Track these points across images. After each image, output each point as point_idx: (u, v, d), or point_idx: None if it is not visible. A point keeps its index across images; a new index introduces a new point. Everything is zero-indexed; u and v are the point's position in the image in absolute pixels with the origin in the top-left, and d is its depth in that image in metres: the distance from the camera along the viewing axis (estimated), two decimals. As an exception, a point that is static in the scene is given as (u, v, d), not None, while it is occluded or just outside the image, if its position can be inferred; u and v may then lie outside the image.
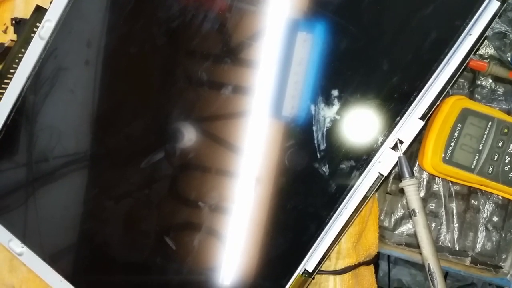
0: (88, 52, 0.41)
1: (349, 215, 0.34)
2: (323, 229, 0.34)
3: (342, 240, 0.40)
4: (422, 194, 0.44)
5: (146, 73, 0.41)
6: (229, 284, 0.36)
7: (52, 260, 0.41)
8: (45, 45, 0.43)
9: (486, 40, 0.43)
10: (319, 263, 0.35)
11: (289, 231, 0.35)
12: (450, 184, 0.43)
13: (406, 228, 0.44)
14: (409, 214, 0.44)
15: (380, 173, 0.33)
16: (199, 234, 0.37)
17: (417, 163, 0.43)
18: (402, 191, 0.45)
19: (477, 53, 0.43)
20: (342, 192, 0.34)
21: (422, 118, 0.32)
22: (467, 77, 0.43)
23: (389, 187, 0.45)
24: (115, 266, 0.40)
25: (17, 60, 0.45)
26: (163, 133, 0.39)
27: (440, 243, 0.43)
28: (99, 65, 0.41)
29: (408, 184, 0.32)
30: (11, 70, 0.45)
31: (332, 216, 0.34)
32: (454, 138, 0.39)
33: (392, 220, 0.45)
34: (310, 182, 0.35)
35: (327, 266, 0.40)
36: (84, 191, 0.41)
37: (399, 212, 0.45)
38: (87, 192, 0.41)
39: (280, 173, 0.35)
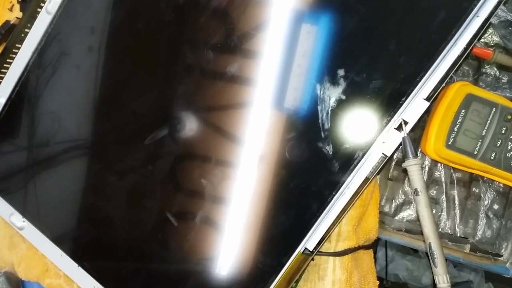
0: (92, 36, 0.42)
1: (351, 195, 0.34)
2: (325, 208, 0.34)
3: (342, 222, 0.40)
4: (424, 180, 0.44)
5: (151, 54, 0.41)
6: (230, 259, 0.36)
7: (53, 234, 0.41)
8: (52, 19, 0.43)
9: (491, 28, 0.43)
10: (320, 242, 0.35)
11: (291, 210, 0.35)
12: (451, 171, 0.43)
13: (406, 214, 0.45)
14: (410, 200, 0.44)
15: (383, 154, 0.33)
16: (202, 211, 0.37)
17: (420, 149, 0.43)
18: (403, 177, 0.45)
19: (483, 41, 0.43)
20: (345, 171, 0.34)
21: (427, 99, 0.32)
22: (472, 65, 0.43)
23: (390, 173, 0.45)
24: (116, 242, 0.40)
25: (22, 35, 0.45)
26: (168, 111, 0.39)
27: (440, 230, 0.43)
28: (104, 43, 0.41)
29: (412, 164, 0.32)
30: (17, 45, 0.45)
31: (334, 195, 0.34)
32: (458, 124, 0.39)
33: (393, 206, 0.45)
34: (314, 161, 0.35)
35: (327, 248, 0.41)
36: (87, 167, 0.41)
37: (400, 198, 0.45)
38: (90, 168, 0.41)
39: (283, 151, 0.35)
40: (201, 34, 0.38)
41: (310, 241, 0.35)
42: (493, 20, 0.43)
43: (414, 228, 0.45)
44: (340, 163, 0.34)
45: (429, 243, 0.31)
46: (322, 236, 0.35)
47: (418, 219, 0.44)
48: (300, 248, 0.35)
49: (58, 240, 0.41)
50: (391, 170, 0.45)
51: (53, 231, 0.42)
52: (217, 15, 0.37)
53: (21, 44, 0.44)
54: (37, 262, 0.48)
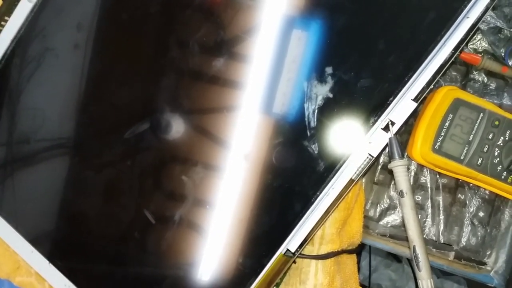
0: (77, 28, 0.40)
1: (336, 196, 0.33)
2: (308, 208, 0.33)
3: (326, 225, 0.39)
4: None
5: (138, 51, 0.39)
6: (209, 260, 0.35)
7: (25, 230, 0.39)
8: (33, 8, 0.41)
9: (480, 34, 0.43)
10: (302, 243, 0.34)
11: (274, 209, 0.34)
12: (437, 176, 0.43)
13: (391, 219, 0.44)
14: (395, 205, 0.44)
15: (369, 154, 0.33)
16: (180, 210, 0.36)
17: (406, 153, 0.43)
18: (389, 181, 0.44)
19: (471, 47, 0.43)
20: (330, 171, 0.33)
21: (415, 100, 0.32)
22: (460, 70, 0.43)
23: (376, 177, 0.44)
24: (91, 240, 0.38)
25: (2, 23, 0.43)
26: (151, 106, 0.38)
27: (424, 236, 0.43)
28: (89, 35, 0.40)
29: (398, 165, 0.32)
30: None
31: (318, 195, 0.33)
32: (445, 128, 0.39)
33: (378, 210, 0.44)
34: (298, 160, 0.34)
35: (310, 251, 0.40)
36: (65, 162, 0.40)
37: (385, 203, 0.44)
38: (67, 162, 0.40)
39: (268, 150, 0.34)
40: (190, 33, 0.37)
41: (292, 243, 0.34)
42: (482, 26, 0.43)
43: (399, 234, 0.44)
44: (325, 163, 0.33)
45: (414, 246, 0.30)
46: (305, 238, 0.34)
47: (403, 222, 0.43)
48: (281, 250, 0.34)
49: (29, 236, 0.39)
50: (377, 174, 0.44)
51: (25, 226, 0.40)
52: (208, 17, 0.36)
53: None
54: (8, 259, 0.45)
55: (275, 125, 0.34)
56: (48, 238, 0.39)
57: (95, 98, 0.40)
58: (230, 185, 0.35)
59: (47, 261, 0.38)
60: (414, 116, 0.42)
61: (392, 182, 0.44)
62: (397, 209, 0.44)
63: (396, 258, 0.96)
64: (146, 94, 0.38)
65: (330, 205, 0.33)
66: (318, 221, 0.34)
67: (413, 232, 0.31)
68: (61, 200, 0.40)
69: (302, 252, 0.39)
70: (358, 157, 0.33)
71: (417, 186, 0.43)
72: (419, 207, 0.43)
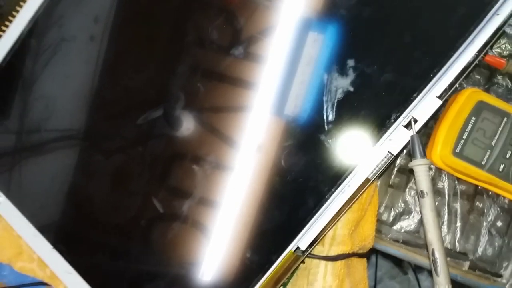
0: (94, 25, 0.40)
1: (351, 194, 0.32)
2: (322, 205, 0.32)
3: (338, 225, 0.38)
4: (425, 190, 0.42)
5: (155, 43, 0.39)
6: (217, 253, 0.34)
7: (30, 213, 0.39)
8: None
9: (505, 38, 0.41)
10: (313, 242, 0.33)
11: (286, 205, 0.33)
12: (456, 182, 0.41)
13: (405, 224, 0.42)
14: (410, 210, 0.42)
15: (389, 152, 0.31)
16: (189, 200, 0.35)
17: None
18: (405, 185, 0.43)
19: (496, 50, 0.42)
20: (346, 168, 0.32)
21: (440, 97, 0.31)
22: (483, 74, 0.42)
23: (392, 180, 0.43)
24: (96, 226, 0.37)
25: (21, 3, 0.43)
26: (164, 94, 0.37)
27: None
28: (107, 28, 0.39)
29: (419, 164, 0.30)
30: (13, 13, 0.43)
31: (333, 192, 0.32)
32: (467, 131, 0.37)
33: (392, 214, 0.43)
34: (314, 155, 0.33)
35: (320, 251, 0.38)
36: (73, 145, 0.39)
37: (400, 207, 0.42)
38: (75, 146, 0.39)
39: (282, 142, 0.33)
40: (206, 30, 0.36)
41: (302, 240, 0.33)
42: (508, 29, 0.41)
43: (412, 240, 0.42)
44: (341, 159, 0.32)
45: (432, 250, 0.29)
46: (316, 236, 0.32)
47: (417, 228, 0.42)
48: (291, 247, 0.32)
49: (34, 219, 0.38)
50: (393, 176, 0.43)
51: (31, 210, 0.39)
52: (224, 14, 0.35)
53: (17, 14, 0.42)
54: (11, 244, 0.45)
55: (291, 117, 0.33)
56: (52, 223, 0.38)
57: (109, 84, 0.39)
58: (241, 178, 0.34)
59: (50, 246, 0.37)
60: (434, 118, 0.41)
61: (408, 186, 0.43)
62: (412, 214, 0.42)
63: (402, 270, 0.94)
64: (160, 83, 0.37)
65: (345, 203, 0.32)
66: (331, 219, 0.32)
67: (432, 234, 0.29)
68: (68, 185, 0.39)
69: (311, 252, 0.37)
70: (376, 155, 0.31)
71: (434, 191, 0.42)
72: (434, 213, 0.42)
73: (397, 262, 0.95)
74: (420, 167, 0.30)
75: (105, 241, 0.36)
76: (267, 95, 0.34)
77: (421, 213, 0.31)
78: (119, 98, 0.38)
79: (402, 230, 0.42)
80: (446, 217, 0.41)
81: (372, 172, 0.31)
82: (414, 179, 0.32)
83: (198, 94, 0.36)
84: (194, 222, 0.35)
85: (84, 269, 0.37)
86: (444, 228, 0.41)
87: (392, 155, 0.31)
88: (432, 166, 0.41)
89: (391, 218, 0.43)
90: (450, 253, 0.41)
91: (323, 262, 0.38)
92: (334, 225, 0.34)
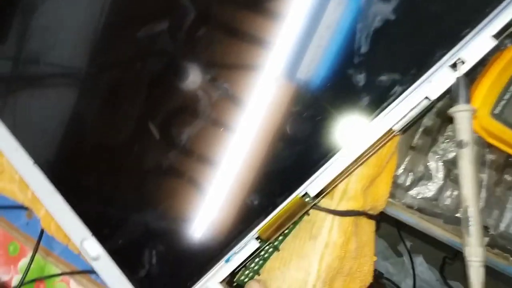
0: None
1: (372, 143, 0.28)
2: (338, 150, 0.28)
3: (351, 179, 0.34)
4: (452, 155, 0.38)
5: None
6: (217, 189, 0.30)
7: (14, 126, 0.35)
8: None
9: None
10: (324, 190, 0.29)
11: (299, 144, 0.29)
12: (487, 150, 0.37)
13: (423, 190, 0.39)
14: (430, 175, 0.38)
15: (427, 97, 0.27)
16: (190, 128, 0.31)
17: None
18: (428, 147, 0.39)
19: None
20: (374, 109, 0.28)
21: (496, 36, 0.26)
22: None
23: (415, 140, 0.39)
24: (85, 143, 0.34)
25: None
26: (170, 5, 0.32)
27: (458, 214, 0.38)
28: None
29: (463, 110, 0.26)
30: None
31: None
32: (510, 92, 0.33)
33: (409, 178, 0.39)
34: (339, 90, 0.29)
35: (328, 205, 0.35)
36: (67, 57, 0.35)
37: (419, 172, 0.39)
38: (69, 58, 0.35)
39: (303, 70, 0.29)
40: None
41: (312, 186, 0.29)
42: None
43: (428, 208, 0.39)
44: (370, 98, 0.28)
45: (466, 207, 0.25)
46: (328, 184, 0.29)
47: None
48: (300, 191, 0.29)
49: (17, 132, 0.34)
50: (416, 138, 0.39)
51: (15, 123, 0.35)
52: None
53: None
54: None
55: (318, 40, 0.29)
56: (36, 137, 0.35)
57: (115, 24, 0.34)
58: (252, 108, 0.30)
59: (32, 161, 0.34)
60: (472, 77, 0.36)
61: (432, 150, 0.39)
62: (432, 180, 0.38)
63: (397, 251, 0.91)
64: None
65: (366, 151, 0.28)
66: (348, 167, 0.28)
67: (468, 190, 0.25)
68: (57, 98, 0.35)
69: (319, 204, 0.34)
70: (412, 97, 0.27)
71: (459, 158, 0.38)
72: (456, 182, 0.38)
73: (393, 243, 0.92)
74: (463, 113, 0.26)
75: (93, 161, 0.33)
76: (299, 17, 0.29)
77: (458, 166, 0.27)
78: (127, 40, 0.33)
79: (419, 196, 0.39)
80: (469, 186, 0.38)
81: (400, 121, 0.27)
82: (453, 127, 0.27)
83: (210, 11, 0.31)
84: (193, 154, 0.31)
85: (68, 191, 0.33)
86: (466, 198, 0.38)
87: (430, 100, 0.27)
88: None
89: (408, 182, 0.39)
90: (467, 226, 0.38)
91: (330, 216, 0.35)
92: (347, 177, 0.31)
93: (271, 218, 0.29)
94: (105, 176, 0.33)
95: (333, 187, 0.30)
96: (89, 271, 0.40)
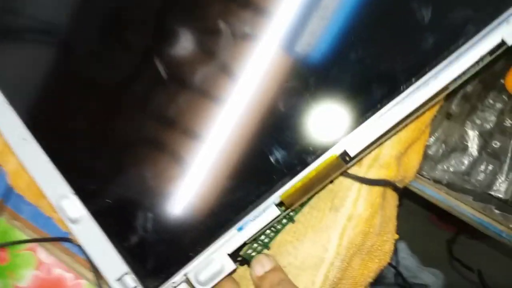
0: None
1: (434, 93, 0.23)
2: (393, 98, 0.23)
3: (385, 143, 0.29)
4: (490, 125, 0.34)
5: None
6: (233, 141, 0.25)
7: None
8: None
9: None
10: (366, 149, 0.24)
11: (343, 91, 0.24)
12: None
13: (455, 163, 0.34)
14: (465, 147, 0.34)
15: (503, 40, 0.22)
16: (205, 69, 0.25)
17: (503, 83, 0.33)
18: (465, 115, 0.34)
19: None
20: (439, 52, 0.23)
21: None
22: None
23: (452, 107, 0.34)
24: (70, 85, 0.27)
25: None
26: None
27: (490, 191, 0.34)
28: None
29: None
30: None
31: (413, 82, 0.23)
32: None
33: (441, 149, 0.34)
34: (400, 27, 0.23)
35: (354, 171, 0.30)
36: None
37: (453, 142, 0.34)
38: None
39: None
40: None
41: (352, 144, 0.24)
42: None
43: (458, 183, 0.35)
44: (438, 38, 0.22)
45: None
46: (372, 142, 0.24)
47: (469, 169, 0.34)
48: (336, 150, 0.24)
49: None
50: (454, 104, 0.34)
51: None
52: None
53: None
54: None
55: None
56: (12, 75, 0.28)
57: None
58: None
59: (5, 100, 0.27)
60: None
61: (469, 118, 0.34)
62: (468, 152, 0.34)
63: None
64: None
65: (426, 101, 0.23)
66: (400, 121, 0.23)
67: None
68: (37, 46, 0.28)
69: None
70: (486, 40, 0.22)
71: (499, 129, 0.34)
72: (493, 156, 0.34)
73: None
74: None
75: (79, 106, 0.26)
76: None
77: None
78: None
79: (450, 169, 0.34)
80: (507, 161, 0.34)
81: (474, 62, 0.22)
82: (494, 94, 0.23)
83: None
84: (206, 98, 0.25)
85: (47, 139, 0.27)
86: (502, 175, 0.34)
87: (506, 45, 0.22)
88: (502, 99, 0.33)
89: (439, 154, 0.35)
90: (499, 205, 0.34)
91: (356, 185, 0.30)
92: (397, 133, 0.26)
93: (299, 180, 0.24)
94: (93, 121, 0.26)
95: (377, 146, 0.25)
96: (62, 239, 0.34)
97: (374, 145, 0.25)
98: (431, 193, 0.35)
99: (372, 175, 0.29)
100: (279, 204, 0.25)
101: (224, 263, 0.25)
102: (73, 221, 0.26)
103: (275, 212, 0.25)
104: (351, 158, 0.24)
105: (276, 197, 0.25)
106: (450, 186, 0.35)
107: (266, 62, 0.25)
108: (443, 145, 0.34)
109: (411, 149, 0.32)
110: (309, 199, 0.30)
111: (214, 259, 0.25)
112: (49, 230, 0.34)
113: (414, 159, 0.32)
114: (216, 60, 0.25)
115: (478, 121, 0.34)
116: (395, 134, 0.26)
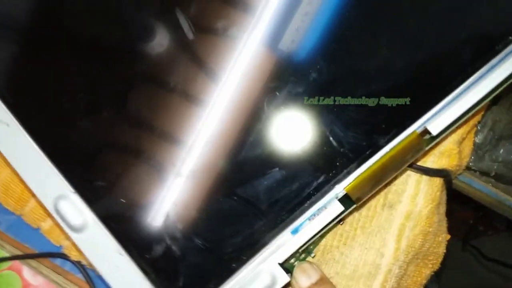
0: None
1: None
2: (480, 67, 0.19)
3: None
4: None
5: None
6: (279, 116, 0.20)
7: None
8: None
9: None
10: (450, 126, 0.20)
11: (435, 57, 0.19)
12: None
13: (505, 152, 0.31)
14: (515, 134, 0.31)
15: None
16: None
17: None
18: (514, 100, 0.31)
19: None
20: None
21: None
22: None
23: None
24: (61, 56, 0.21)
25: None
26: None
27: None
28: None
29: None
30: None
31: (500, 51, 0.19)
32: None
33: (489, 137, 0.31)
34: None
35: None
36: None
37: (501, 129, 0.31)
38: None
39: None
40: None
41: (436, 121, 0.19)
42: None
43: (509, 175, 0.31)
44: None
45: None
46: (457, 118, 0.19)
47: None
48: (418, 126, 0.19)
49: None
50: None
51: None
52: None
53: None
54: None
55: None
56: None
57: None
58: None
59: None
60: None
61: (517, 102, 0.31)
62: (517, 140, 0.31)
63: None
64: None
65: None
66: (487, 94, 0.19)
67: None
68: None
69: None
70: None
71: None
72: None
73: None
74: None
75: (77, 78, 0.20)
76: None
77: None
78: None
79: (500, 159, 0.31)
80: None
81: None
82: None
83: None
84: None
85: (35, 124, 0.21)
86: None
87: None
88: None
89: (487, 142, 0.31)
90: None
91: (413, 178, 0.25)
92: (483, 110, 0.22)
93: (369, 168, 0.19)
94: (96, 99, 0.21)
95: (459, 125, 0.21)
96: (53, 254, 0.27)
97: (460, 121, 0.20)
98: (479, 187, 0.31)
99: (432, 164, 0.25)
100: (345, 198, 0.20)
101: (276, 274, 0.20)
102: (76, 229, 0.20)
103: (338, 208, 0.20)
104: (435, 136, 0.20)
105: (339, 189, 0.20)
106: (500, 178, 0.31)
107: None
108: (490, 133, 0.31)
109: (469, 135, 0.28)
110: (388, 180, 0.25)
111: (263, 270, 0.20)
112: (35, 244, 0.27)
113: (468, 147, 0.29)
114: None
115: (527, 104, 0.31)
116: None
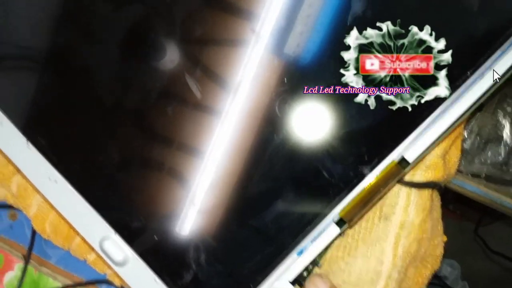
0: None
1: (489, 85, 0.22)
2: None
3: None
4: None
5: None
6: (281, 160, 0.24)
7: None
8: None
9: None
10: (425, 150, 0.23)
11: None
12: None
13: (492, 154, 0.34)
14: (500, 137, 0.34)
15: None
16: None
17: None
18: (495, 104, 0.34)
19: None
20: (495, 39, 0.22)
21: None
22: None
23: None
24: (95, 116, 0.26)
25: None
26: None
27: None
28: None
29: None
30: None
31: (472, 74, 0.22)
32: None
33: (476, 142, 0.34)
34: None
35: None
36: None
37: (487, 133, 0.34)
38: None
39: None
40: None
41: (411, 149, 0.23)
42: None
43: (497, 175, 0.34)
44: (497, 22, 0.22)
45: None
46: (433, 142, 0.23)
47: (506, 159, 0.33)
48: (396, 155, 0.23)
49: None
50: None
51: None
52: None
53: None
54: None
55: None
56: (28, 109, 0.26)
57: None
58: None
59: (24, 139, 0.25)
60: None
61: (499, 106, 0.34)
62: (502, 142, 0.34)
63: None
64: None
65: (483, 94, 0.22)
66: (461, 115, 0.22)
67: None
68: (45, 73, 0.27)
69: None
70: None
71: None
72: (529, 144, 0.33)
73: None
74: None
75: (116, 134, 0.25)
76: None
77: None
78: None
79: (488, 161, 0.34)
80: (545, 148, 0.33)
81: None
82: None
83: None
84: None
85: (78, 176, 0.25)
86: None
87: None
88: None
89: (475, 146, 0.34)
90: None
91: (404, 191, 0.29)
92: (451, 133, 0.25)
93: (357, 194, 0.23)
94: (132, 148, 0.25)
95: (436, 146, 0.24)
96: (99, 281, 0.32)
97: (437, 142, 0.24)
98: (472, 189, 0.34)
99: (419, 177, 0.29)
100: (338, 222, 0.24)
101: (287, 291, 0.24)
102: (119, 264, 0.25)
103: (335, 230, 0.24)
104: (409, 163, 0.23)
105: (334, 214, 0.23)
106: (490, 179, 0.34)
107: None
108: (477, 138, 0.34)
109: (454, 145, 0.31)
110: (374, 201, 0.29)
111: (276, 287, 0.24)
112: (82, 273, 0.32)
113: (455, 155, 0.32)
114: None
115: (509, 109, 0.34)
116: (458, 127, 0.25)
